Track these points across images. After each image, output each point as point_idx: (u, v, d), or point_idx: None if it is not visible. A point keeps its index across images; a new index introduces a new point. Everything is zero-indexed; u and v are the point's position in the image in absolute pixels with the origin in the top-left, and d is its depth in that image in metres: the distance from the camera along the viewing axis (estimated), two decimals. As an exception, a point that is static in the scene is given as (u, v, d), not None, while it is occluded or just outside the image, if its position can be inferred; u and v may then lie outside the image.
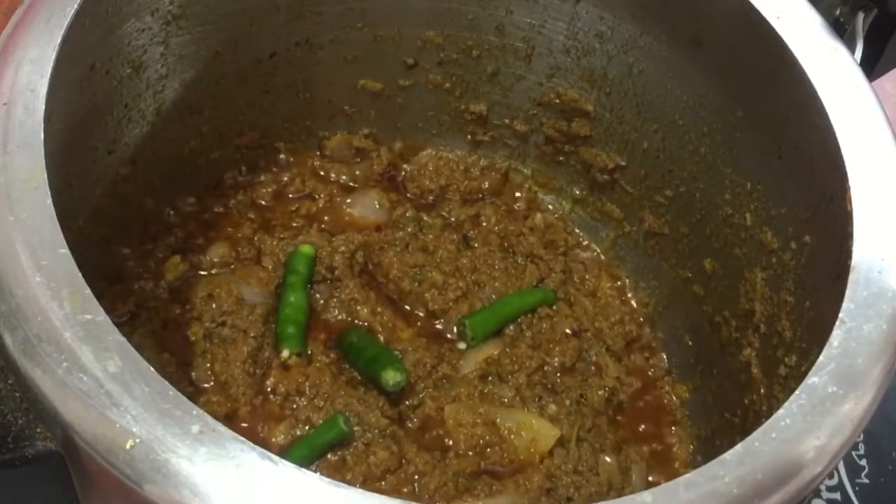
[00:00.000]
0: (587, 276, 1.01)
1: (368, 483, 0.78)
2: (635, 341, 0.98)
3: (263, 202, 1.00)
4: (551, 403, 0.86)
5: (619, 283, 1.03)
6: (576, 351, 0.92)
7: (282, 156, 1.03)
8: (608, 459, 0.85)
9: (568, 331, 0.93)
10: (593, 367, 0.92)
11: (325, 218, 1.00)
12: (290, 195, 1.01)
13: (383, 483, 0.79)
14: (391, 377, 0.83)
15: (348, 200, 1.02)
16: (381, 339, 0.91)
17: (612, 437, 0.88)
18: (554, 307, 0.95)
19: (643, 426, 0.92)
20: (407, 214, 1.01)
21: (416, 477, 0.80)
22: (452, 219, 1.02)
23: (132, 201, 0.88)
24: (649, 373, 0.96)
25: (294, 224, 0.99)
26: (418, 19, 0.95)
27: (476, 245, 0.99)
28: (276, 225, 0.98)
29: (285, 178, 1.02)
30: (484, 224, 1.02)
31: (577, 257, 1.03)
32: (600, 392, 0.90)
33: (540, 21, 0.93)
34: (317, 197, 1.02)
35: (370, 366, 0.85)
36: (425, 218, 1.01)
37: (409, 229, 0.99)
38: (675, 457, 0.90)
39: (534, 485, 0.80)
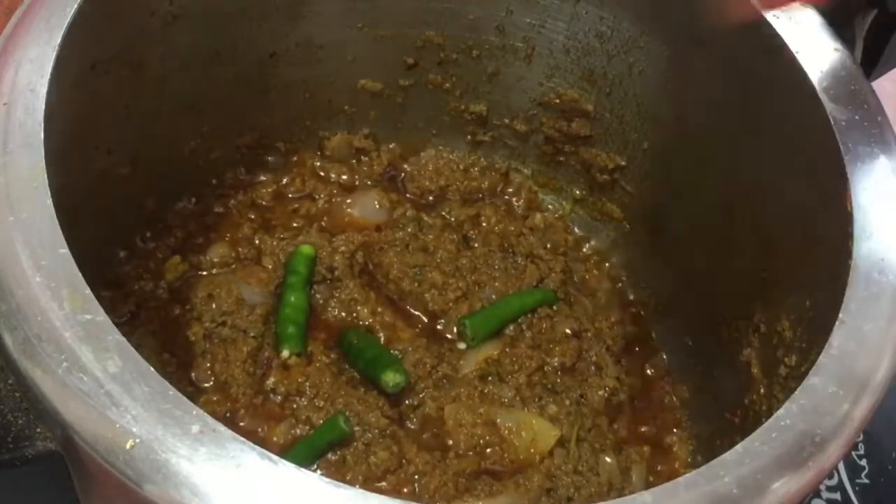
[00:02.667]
0: (587, 277, 1.01)
1: (369, 483, 0.78)
2: (635, 341, 0.98)
3: (263, 202, 1.00)
4: (551, 403, 0.86)
5: (619, 283, 1.03)
6: (576, 351, 0.92)
7: (282, 156, 1.03)
8: (608, 459, 0.85)
9: (568, 331, 0.93)
10: (593, 368, 0.92)
11: (325, 218, 1.00)
12: (290, 195, 1.02)
13: (384, 483, 0.79)
14: (391, 379, 0.83)
15: (348, 201, 1.02)
16: (382, 339, 0.91)
17: (613, 438, 0.88)
18: (554, 307, 0.95)
19: (643, 426, 0.92)
20: (407, 214, 1.01)
21: (417, 477, 0.80)
22: (452, 219, 1.02)
23: (132, 201, 0.88)
24: (649, 372, 0.96)
25: (294, 224, 0.99)
26: (418, 19, 0.95)
27: (476, 245, 0.99)
28: (276, 225, 0.99)
29: (285, 179, 1.02)
30: (484, 224, 1.02)
31: (577, 257, 1.03)
32: (600, 392, 0.90)
33: (540, 21, 0.93)
34: (317, 197, 1.02)
35: (370, 367, 0.85)
36: (425, 218, 1.01)
37: (409, 229, 0.99)
38: (675, 457, 0.90)
39: (534, 485, 0.80)
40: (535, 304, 0.94)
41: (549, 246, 1.02)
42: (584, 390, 0.89)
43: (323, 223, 1.00)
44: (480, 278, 0.96)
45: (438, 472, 0.80)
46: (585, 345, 0.93)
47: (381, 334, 0.91)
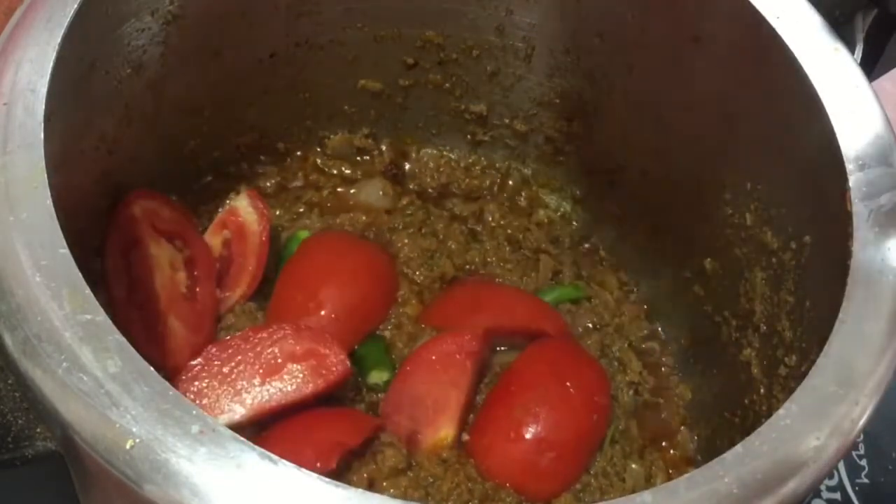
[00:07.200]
0: (594, 273, 1.01)
1: (375, 483, 0.77)
2: (646, 339, 0.99)
3: (267, 191, 1.00)
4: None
5: (622, 281, 1.03)
6: (598, 345, 0.92)
7: (282, 155, 1.03)
8: (634, 466, 0.85)
9: (589, 324, 0.94)
10: (616, 363, 0.92)
11: (329, 205, 1.01)
12: (293, 185, 1.02)
13: (390, 484, 0.78)
14: (377, 377, 0.84)
15: (352, 191, 1.03)
16: (392, 318, 0.91)
17: (640, 442, 0.88)
18: (576, 303, 0.95)
19: (653, 427, 0.92)
20: (415, 202, 1.01)
21: (430, 480, 0.79)
22: (458, 212, 1.03)
23: (132, 201, 0.88)
24: (661, 370, 0.96)
25: (297, 211, 1.00)
26: (418, 19, 0.95)
27: (484, 239, 1.00)
28: (279, 214, 0.99)
29: (288, 174, 1.03)
30: (489, 219, 1.02)
31: (582, 253, 1.03)
32: (630, 392, 0.90)
33: (540, 21, 0.93)
34: (321, 186, 1.02)
35: (357, 363, 0.85)
36: (432, 208, 1.02)
37: (420, 215, 0.99)
38: (675, 457, 0.90)
39: (560, 500, 0.80)
40: (566, 300, 0.95)
41: (555, 241, 1.02)
42: (614, 391, 0.89)
43: (326, 210, 1.01)
44: (494, 271, 0.96)
45: (450, 474, 0.79)
46: (608, 339, 0.94)
47: (393, 311, 0.91)
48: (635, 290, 1.02)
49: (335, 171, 1.04)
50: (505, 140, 1.05)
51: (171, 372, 0.78)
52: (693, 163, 0.90)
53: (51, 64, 0.63)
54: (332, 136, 1.04)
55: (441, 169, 1.06)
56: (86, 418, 0.49)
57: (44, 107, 0.60)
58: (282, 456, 0.49)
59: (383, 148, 1.05)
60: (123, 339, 0.52)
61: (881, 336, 0.60)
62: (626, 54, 0.90)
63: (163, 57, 0.82)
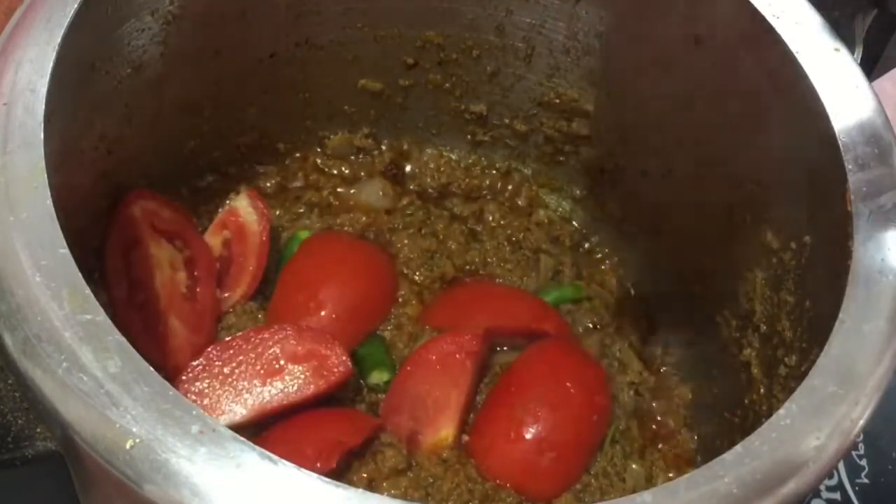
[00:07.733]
0: (594, 273, 1.01)
1: (375, 483, 0.77)
2: (646, 339, 0.99)
3: (267, 192, 1.00)
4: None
5: (622, 282, 1.03)
6: (598, 345, 0.92)
7: (282, 155, 1.03)
8: (634, 466, 0.85)
9: (589, 324, 0.94)
10: (616, 363, 0.92)
11: (329, 205, 1.02)
12: (293, 186, 1.02)
13: (390, 484, 0.78)
14: (378, 378, 0.84)
15: (352, 191, 1.03)
16: (392, 319, 0.91)
17: (640, 442, 0.88)
18: (576, 303, 0.96)
19: (653, 427, 0.92)
20: (415, 203, 1.01)
21: (430, 480, 0.79)
22: (457, 212, 1.03)
23: (132, 201, 0.88)
24: (661, 370, 0.96)
25: (297, 211, 1.00)
26: (418, 19, 0.95)
27: (484, 239, 1.00)
28: (279, 214, 0.99)
29: (288, 174, 1.03)
30: (489, 218, 1.02)
31: (581, 254, 1.03)
32: (630, 392, 0.90)
33: (540, 21, 0.93)
34: (321, 186, 1.02)
35: (358, 363, 0.86)
36: (433, 208, 1.02)
37: (420, 215, 1.00)
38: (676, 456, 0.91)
39: (561, 500, 0.80)
40: (565, 300, 0.95)
41: (555, 241, 1.02)
42: (614, 390, 0.89)
43: (327, 207, 1.01)
44: (494, 271, 0.97)
45: (450, 474, 0.79)
46: (608, 339, 0.94)
47: (394, 311, 0.91)
48: (635, 290, 1.02)
49: (335, 171, 1.04)
50: (505, 140, 1.05)
51: (171, 372, 0.78)
52: (693, 163, 0.90)
53: (51, 64, 0.63)
54: (332, 136, 1.04)
55: (441, 169, 1.06)
56: (86, 418, 0.49)
57: (44, 107, 0.60)
58: (282, 456, 0.49)
59: (383, 148, 1.06)
60: (123, 339, 0.52)
61: (881, 336, 0.60)
62: (625, 54, 0.90)
63: (163, 57, 0.82)
